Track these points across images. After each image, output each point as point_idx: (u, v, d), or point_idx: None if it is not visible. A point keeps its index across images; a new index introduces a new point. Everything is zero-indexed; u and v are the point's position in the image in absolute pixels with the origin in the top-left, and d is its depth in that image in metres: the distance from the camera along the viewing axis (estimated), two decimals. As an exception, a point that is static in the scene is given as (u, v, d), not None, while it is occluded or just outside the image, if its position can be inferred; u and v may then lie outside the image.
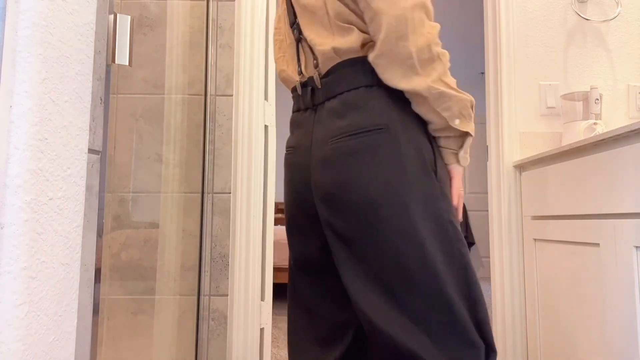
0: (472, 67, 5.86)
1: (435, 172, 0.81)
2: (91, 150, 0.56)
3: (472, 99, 0.81)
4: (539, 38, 1.75)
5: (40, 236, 0.43)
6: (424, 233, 0.76)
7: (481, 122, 5.69)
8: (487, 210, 4.81)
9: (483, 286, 4.80)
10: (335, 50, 0.83)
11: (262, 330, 1.65)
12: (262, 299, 1.66)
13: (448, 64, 0.80)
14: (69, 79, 0.47)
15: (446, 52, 0.80)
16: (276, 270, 3.55)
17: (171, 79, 1.63)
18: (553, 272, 1.41)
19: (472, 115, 0.81)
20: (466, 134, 0.82)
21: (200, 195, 1.60)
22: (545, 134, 1.70)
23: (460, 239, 0.79)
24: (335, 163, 0.80)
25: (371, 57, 0.80)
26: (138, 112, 1.61)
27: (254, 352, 1.59)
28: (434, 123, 0.81)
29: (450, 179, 0.85)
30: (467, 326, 0.76)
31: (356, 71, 0.82)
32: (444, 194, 0.81)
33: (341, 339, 0.89)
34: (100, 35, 0.59)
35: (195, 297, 1.56)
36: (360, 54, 0.82)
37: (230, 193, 1.60)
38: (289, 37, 0.97)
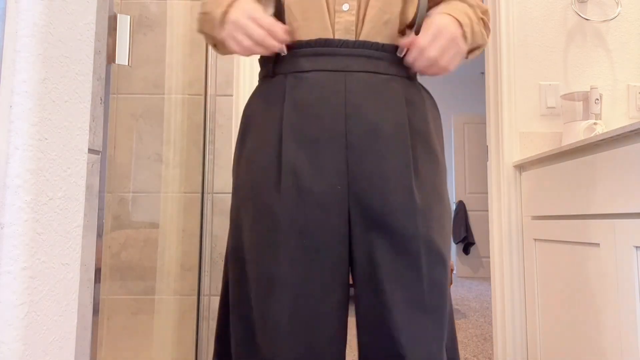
0: (472, 67, 5.87)
1: None
2: (91, 150, 0.56)
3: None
4: (539, 38, 1.75)
5: (40, 236, 0.43)
6: None
7: (481, 122, 5.69)
8: (487, 210, 4.81)
9: (483, 286, 4.79)
10: None
11: (262, 330, 1.65)
12: (262, 299, 1.66)
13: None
14: (69, 79, 0.47)
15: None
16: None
17: (171, 79, 1.63)
18: (553, 272, 1.41)
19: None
20: None
21: (200, 195, 1.60)
22: (545, 134, 1.70)
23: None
24: None
25: None
26: (138, 112, 1.61)
27: (254, 352, 1.59)
28: None
29: None
30: None
31: None
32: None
33: None
34: (100, 35, 0.59)
35: (195, 297, 1.56)
36: None
37: (230, 193, 1.60)
38: None
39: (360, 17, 0.74)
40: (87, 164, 0.54)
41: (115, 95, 1.61)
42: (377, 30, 0.74)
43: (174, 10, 1.66)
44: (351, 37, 0.74)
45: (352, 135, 0.71)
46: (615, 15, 1.73)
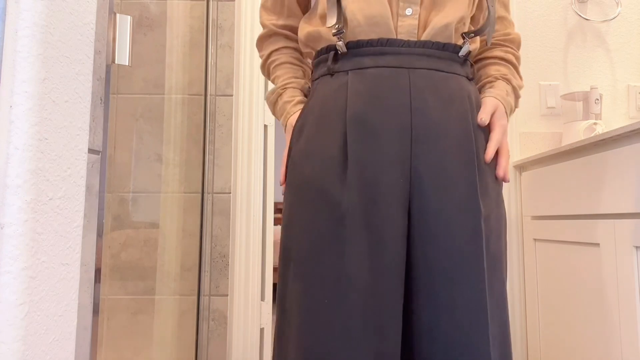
0: (472, 67, 5.85)
1: None
2: (91, 150, 0.56)
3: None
4: (539, 38, 1.75)
5: (40, 236, 0.43)
6: None
7: (481, 122, 5.69)
8: (487, 210, 4.78)
9: (483, 286, 4.78)
10: None
11: (262, 330, 1.65)
12: (262, 299, 1.66)
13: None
14: (69, 79, 0.47)
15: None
16: (276, 270, 3.54)
17: (171, 79, 1.63)
18: (553, 272, 1.41)
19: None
20: None
21: (200, 195, 1.60)
22: (545, 134, 1.70)
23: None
24: None
25: None
26: (138, 112, 1.61)
27: (254, 352, 1.59)
28: None
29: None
30: None
31: None
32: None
33: None
34: (100, 35, 0.59)
35: (195, 297, 1.56)
36: None
37: (230, 193, 1.60)
38: None
39: (422, 20, 0.75)
40: (87, 164, 0.54)
41: (115, 95, 1.61)
42: (437, 32, 0.75)
43: (174, 10, 1.66)
44: (413, 39, 0.75)
45: (418, 129, 0.71)
46: (615, 15, 1.73)
